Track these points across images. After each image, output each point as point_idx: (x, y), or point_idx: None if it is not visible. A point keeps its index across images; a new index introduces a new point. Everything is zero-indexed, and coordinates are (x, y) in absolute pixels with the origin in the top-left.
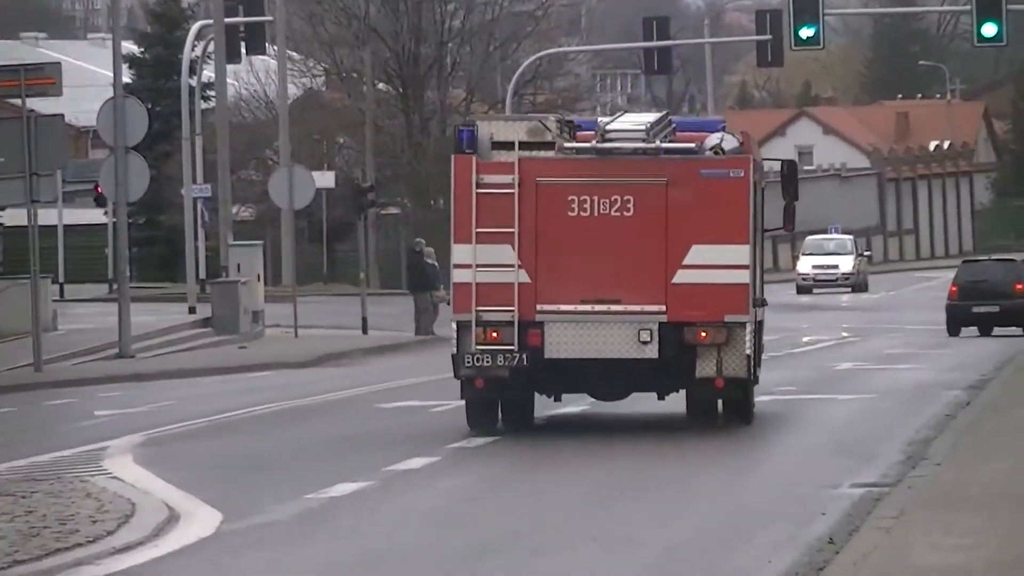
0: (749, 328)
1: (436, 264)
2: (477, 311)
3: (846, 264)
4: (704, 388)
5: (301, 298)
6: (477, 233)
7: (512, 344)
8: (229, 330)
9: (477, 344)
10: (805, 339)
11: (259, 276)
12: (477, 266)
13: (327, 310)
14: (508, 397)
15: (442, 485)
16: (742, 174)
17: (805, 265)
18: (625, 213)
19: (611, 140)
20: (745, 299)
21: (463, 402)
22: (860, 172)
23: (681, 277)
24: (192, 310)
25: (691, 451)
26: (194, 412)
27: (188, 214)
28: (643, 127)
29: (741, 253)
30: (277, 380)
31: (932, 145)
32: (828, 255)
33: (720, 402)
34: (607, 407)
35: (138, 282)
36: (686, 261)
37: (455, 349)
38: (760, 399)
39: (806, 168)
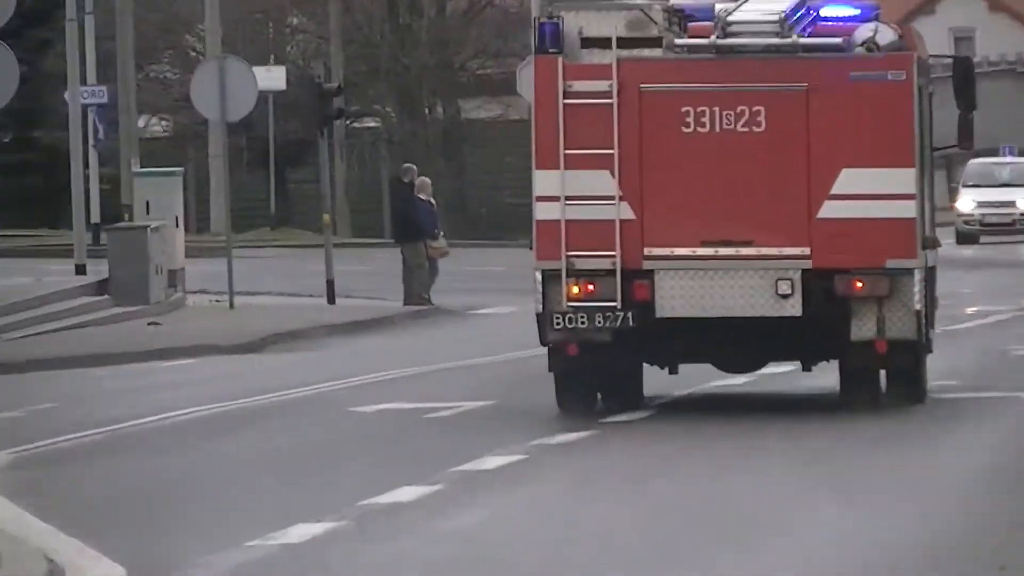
0: (918, 276)
1: (433, 202)
2: (568, 257)
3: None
4: (862, 354)
5: (239, 252)
6: (566, 155)
7: (614, 299)
8: (134, 299)
9: (569, 300)
10: (970, 310)
11: (177, 220)
12: (567, 199)
13: (276, 269)
14: (610, 368)
15: (444, 528)
16: (904, 77)
17: (967, 203)
18: (755, 128)
19: (735, 34)
20: (912, 238)
21: (552, 377)
22: None
23: (829, 211)
24: (80, 269)
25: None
26: (83, 420)
27: (75, 129)
28: (776, 17)
29: (906, 178)
30: (204, 372)
31: None
32: (1000, 187)
33: (884, 373)
34: (735, 383)
35: (1, 229)
36: (835, 190)
37: (539, 307)
38: None
39: None
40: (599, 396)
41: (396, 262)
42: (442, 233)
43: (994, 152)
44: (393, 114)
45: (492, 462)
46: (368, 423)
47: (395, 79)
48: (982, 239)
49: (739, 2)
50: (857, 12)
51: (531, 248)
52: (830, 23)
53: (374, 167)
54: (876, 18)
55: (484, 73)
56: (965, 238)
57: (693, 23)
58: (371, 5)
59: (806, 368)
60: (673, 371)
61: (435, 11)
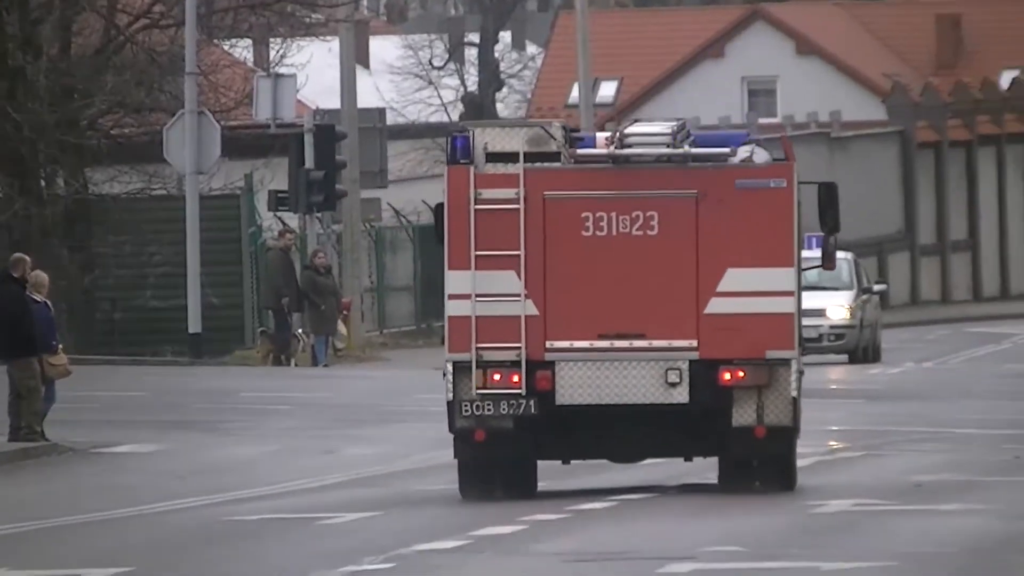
0: (795, 366)
1: (50, 305)
2: (477, 349)
3: (837, 310)
4: (742, 439)
5: None
6: (476, 257)
7: (519, 388)
8: None
9: (477, 389)
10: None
11: None
12: (476, 296)
13: None
14: (511, 454)
15: None
16: (784, 184)
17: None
18: (648, 232)
19: (630, 146)
20: (790, 331)
21: (455, 464)
22: (867, 130)
23: (715, 306)
24: None
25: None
26: None
27: None
28: (668, 130)
29: (785, 277)
30: None
31: (1005, 78)
32: (804, 291)
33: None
34: (621, 477)
35: None
36: (721, 288)
37: (450, 395)
38: (682, 567)
39: (762, 122)
40: (497, 486)
41: (0, 384)
42: (61, 346)
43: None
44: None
45: None
46: None
47: (1, 141)
48: None
49: (627, 123)
50: (733, 138)
51: (442, 342)
52: (706, 146)
53: None
54: (750, 140)
55: (120, 134)
56: None
57: (582, 144)
58: None
59: (688, 459)
60: (566, 462)
61: (57, 49)
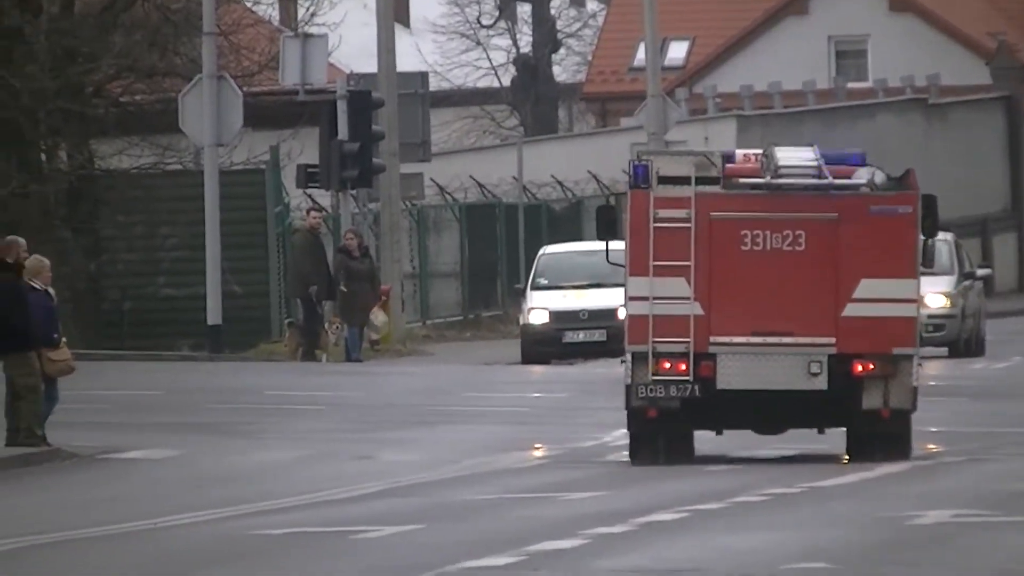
0: (915, 360)
1: (52, 294)
2: (653, 342)
3: (936, 298)
4: (870, 420)
5: None
6: (654, 266)
7: (687, 375)
8: None
9: (652, 375)
10: (849, 457)
11: None
12: (654, 298)
13: None
14: (677, 429)
15: None
16: (910, 210)
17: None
18: (796, 247)
19: (783, 176)
20: (913, 332)
21: (627, 436)
22: (969, 96)
23: (850, 310)
24: None
25: None
26: None
27: None
28: (814, 163)
29: (909, 287)
30: None
31: None
32: None
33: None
34: (761, 447)
35: None
36: (855, 295)
37: (628, 380)
38: None
39: (850, 87)
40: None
41: None
42: (64, 339)
43: None
44: None
45: None
46: None
47: None
48: None
49: (769, 147)
50: (851, 156)
51: (622, 336)
52: (829, 165)
53: None
54: (864, 162)
55: (130, 101)
56: None
57: (730, 164)
58: None
59: (821, 431)
60: (719, 433)
61: (59, 7)
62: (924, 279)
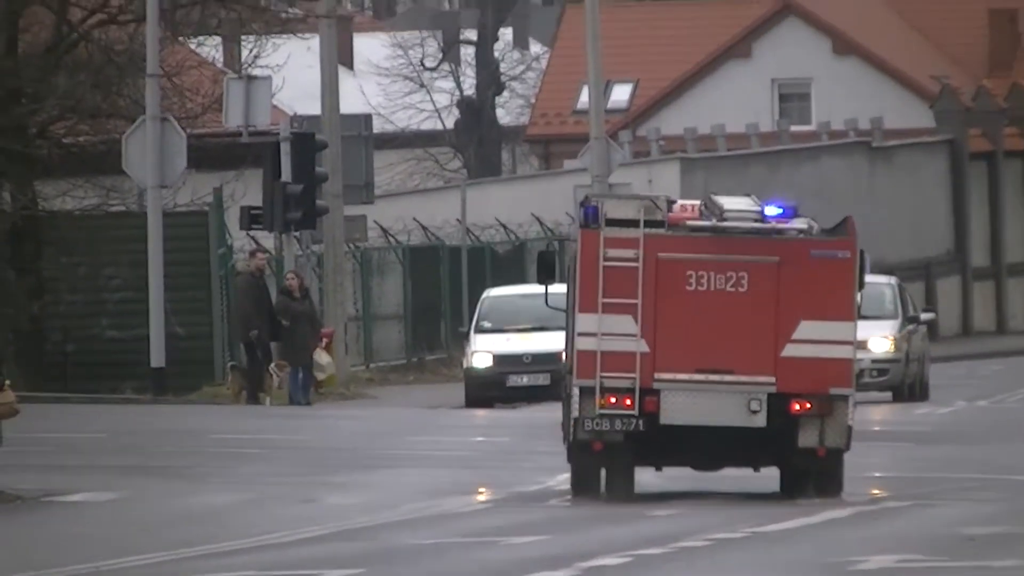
0: (851, 401)
1: None
2: (601, 377)
3: (880, 342)
4: (805, 457)
5: None
6: (603, 303)
7: (632, 409)
8: None
9: (599, 409)
10: (793, 503)
11: None
12: (602, 335)
13: None
14: (620, 462)
15: None
16: (849, 255)
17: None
18: (740, 288)
19: (728, 220)
20: (849, 373)
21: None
22: (913, 138)
23: (790, 351)
24: None
25: None
26: None
27: None
28: (756, 208)
29: (847, 330)
30: None
31: None
32: None
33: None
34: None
35: None
36: (795, 336)
37: (575, 413)
38: None
39: (794, 129)
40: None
41: None
42: (8, 382)
43: None
44: None
45: None
46: None
47: None
48: None
49: (711, 196)
50: (782, 211)
51: (567, 371)
52: (771, 218)
53: None
54: (796, 214)
55: (74, 142)
56: None
57: (670, 213)
58: None
59: (756, 470)
60: (659, 469)
61: (2, 48)
62: (868, 323)
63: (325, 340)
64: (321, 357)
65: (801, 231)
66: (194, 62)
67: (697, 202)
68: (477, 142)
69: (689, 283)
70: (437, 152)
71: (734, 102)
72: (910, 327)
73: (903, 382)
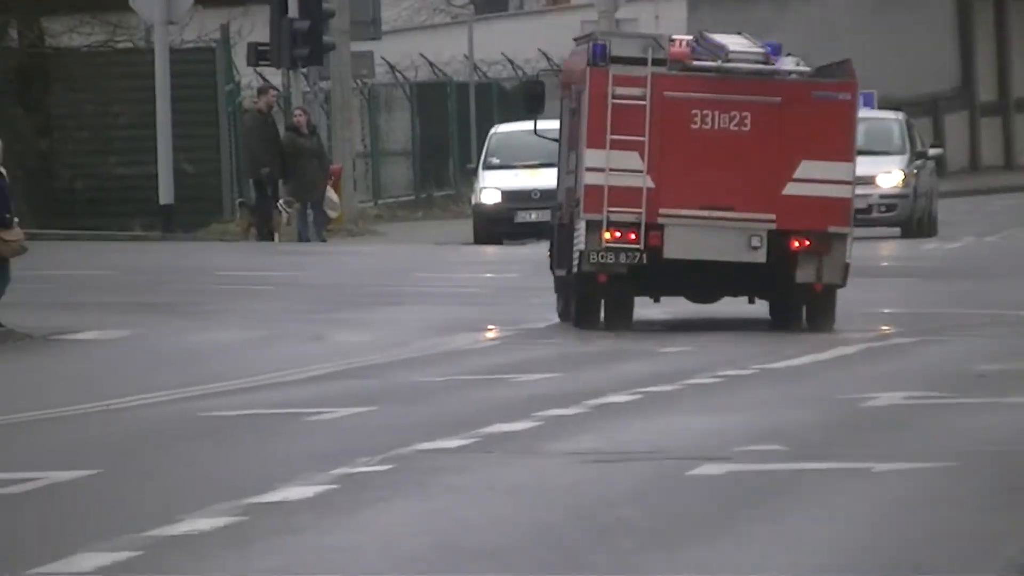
0: (849, 239)
1: (3, 173)
2: (608, 211)
3: (889, 177)
4: (802, 292)
5: None
6: (611, 140)
7: (637, 243)
8: None
9: (605, 242)
10: (802, 339)
11: None
12: (609, 170)
13: None
14: (622, 294)
15: None
16: (849, 97)
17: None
18: (742, 128)
19: (733, 60)
20: (847, 212)
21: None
22: None
23: (790, 189)
24: None
25: None
26: None
27: None
28: (761, 50)
29: (846, 170)
30: None
31: None
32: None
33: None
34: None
35: None
36: (796, 175)
37: (581, 245)
38: (715, 468)
39: None
40: (602, 318)
41: None
42: (16, 219)
43: None
44: None
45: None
46: None
47: None
48: None
49: (703, 33)
50: (768, 49)
51: (557, 205)
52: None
53: None
54: (779, 52)
55: None
56: None
57: (672, 46)
58: None
59: (751, 301)
60: (656, 300)
61: None
62: (876, 159)
63: (333, 177)
64: (331, 195)
65: (805, 72)
66: None
67: (689, 37)
68: None
69: (694, 122)
70: None
71: None
72: (918, 162)
73: (911, 217)
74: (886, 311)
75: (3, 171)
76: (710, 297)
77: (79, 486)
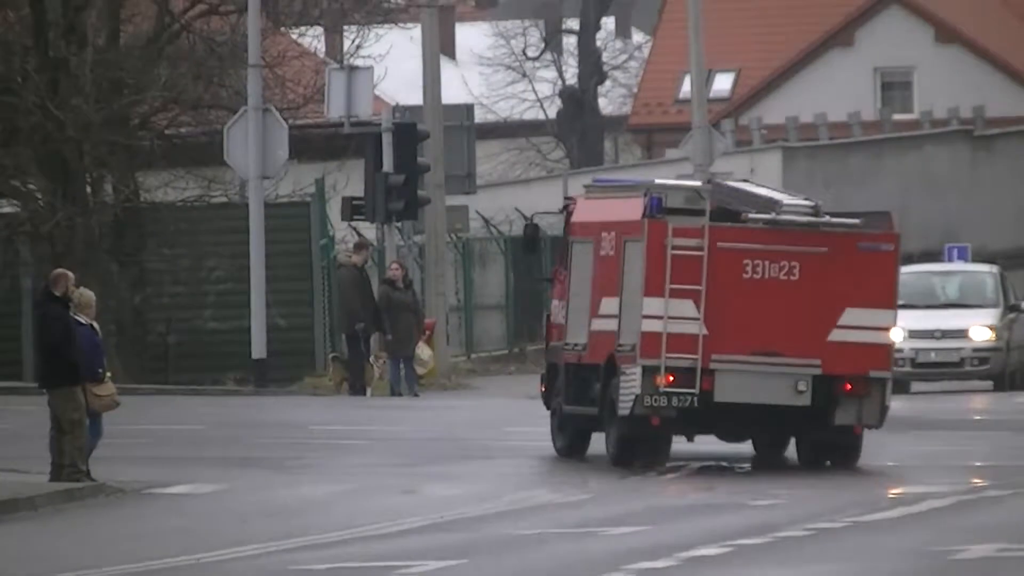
0: (889, 383)
1: (97, 328)
2: (666, 357)
3: (981, 331)
4: (842, 434)
5: None
6: (671, 289)
7: (693, 388)
8: None
9: (663, 386)
10: (894, 492)
11: None
12: (668, 318)
13: None
14: (670, 435)
15: None
16: (892, 248)
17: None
18: (792, 277)
19: (785, 213)
20: (888, 357)
21: (615, 439)
22: (1015, 126)
23: (835, 336)
24: None
25: None
26: None
27: None
28: (811, 203)
29: (888, 317)
30: None
31: None
32: (944, 309)
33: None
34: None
35: None
36: (840, 322)
37: (637, 389)
38: None
39: (896, 118)
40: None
41: (41, 417)
42: (109, 374)
43: (936, 255)
44: (40, 194)
45: None
46: None
47: (42, 142)
48: (914, 386)
49: (746, 183)
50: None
51: (550, 345)
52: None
53: (11, 273)
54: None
55: (176, 133)
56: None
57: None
58: (5, 27)
59: (784, 444)
60: (690, 439)
61: (104, 39)
62: (969, 311)
63: (428, 332)
64: (422, 351)
65: (851, 224)
66: (296, 52)
67: (699, 184)
68: (579, 132)
69: (746, 271)
70: (539, 142)
71: (836, 91)
72: (1011, 315)
73: (1004, 371)
74: (978, 464)
75: (96, 326)
76: (745, 437)
77: None
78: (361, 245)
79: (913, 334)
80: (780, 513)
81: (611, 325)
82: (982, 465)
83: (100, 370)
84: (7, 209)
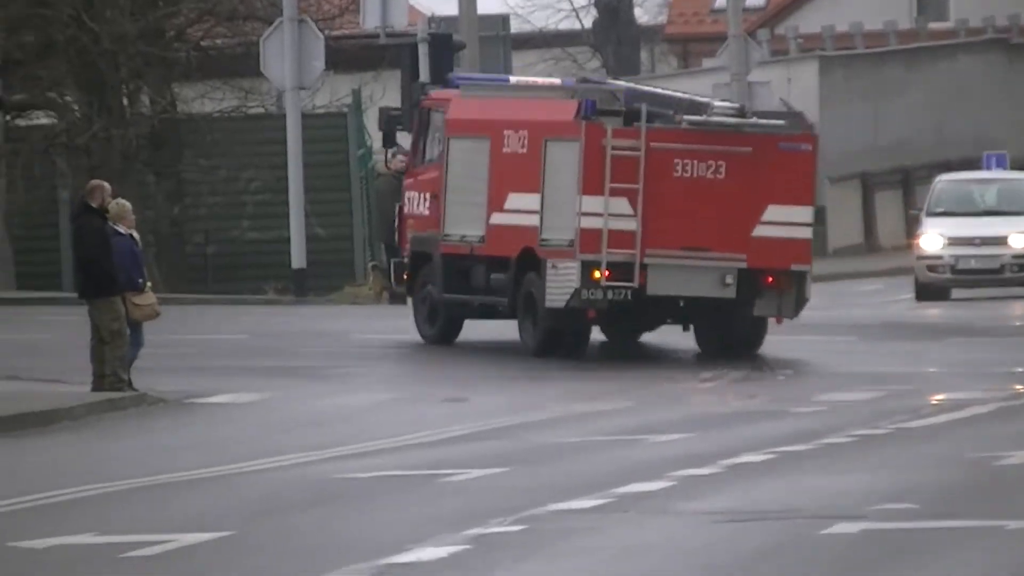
0: (808, 277)
1: (137, 237)
2: (607, 253)
3: (1020, 237)
4: (756, 324)
5: None
6: (610, 188)
7: (631, 282)
8: None
9: (603, 280)
10: (936, 398)
11: None
12: (608, 215)
13: None
14: (602, 327)
15: None
16: (810, 148)
17: (933, 239)
18: (718, 176)
19: (715, 115)
20: (808, 251)
21: (542, 330)
22: None
23: (759, 231)
24: None
25: None
26: None
27: None
28: (736, 105)
29: (807, 213)
30: None
31: None
32: (983, 216)
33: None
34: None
35: None
36: (763, 218)
37: (577, 283)
38: (850, 527)
39: (932, 27)
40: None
41: (82, 327)
42: (149, 284)
43: (974, 163)
44: (76, 107)
45: None
46: (39, 566)
47: (78, 55)
48: (955, 293)
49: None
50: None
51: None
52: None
53: (48, 185)
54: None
55: (212, 45)
56: (928, 291)
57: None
58: None
59: (684, 329)
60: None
61: None
62: (1008, 219)
63: None
64: None
65: (771, 126)
66: None
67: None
68: (615, 41)
69: (676, 170)
70: (575, 52)
71: (872, 0)
72: None
73: None
74: (1019, 370)
75: (136, 236)
76: (657, 324)
77: (211, 548)
78: (400, 152)
79: (952, 241)
80: (821, 420)
81: (526, 220)
82: (1023, 371)
83: (140, 280)
84: (44, 121)
